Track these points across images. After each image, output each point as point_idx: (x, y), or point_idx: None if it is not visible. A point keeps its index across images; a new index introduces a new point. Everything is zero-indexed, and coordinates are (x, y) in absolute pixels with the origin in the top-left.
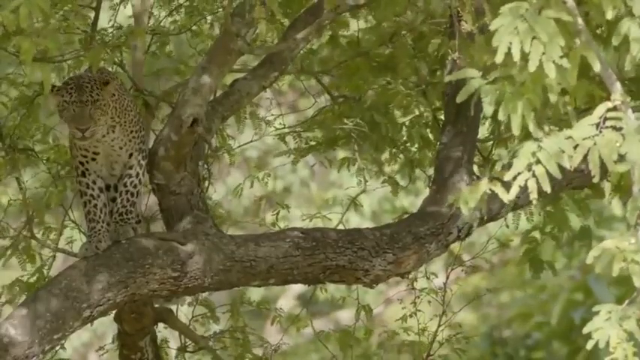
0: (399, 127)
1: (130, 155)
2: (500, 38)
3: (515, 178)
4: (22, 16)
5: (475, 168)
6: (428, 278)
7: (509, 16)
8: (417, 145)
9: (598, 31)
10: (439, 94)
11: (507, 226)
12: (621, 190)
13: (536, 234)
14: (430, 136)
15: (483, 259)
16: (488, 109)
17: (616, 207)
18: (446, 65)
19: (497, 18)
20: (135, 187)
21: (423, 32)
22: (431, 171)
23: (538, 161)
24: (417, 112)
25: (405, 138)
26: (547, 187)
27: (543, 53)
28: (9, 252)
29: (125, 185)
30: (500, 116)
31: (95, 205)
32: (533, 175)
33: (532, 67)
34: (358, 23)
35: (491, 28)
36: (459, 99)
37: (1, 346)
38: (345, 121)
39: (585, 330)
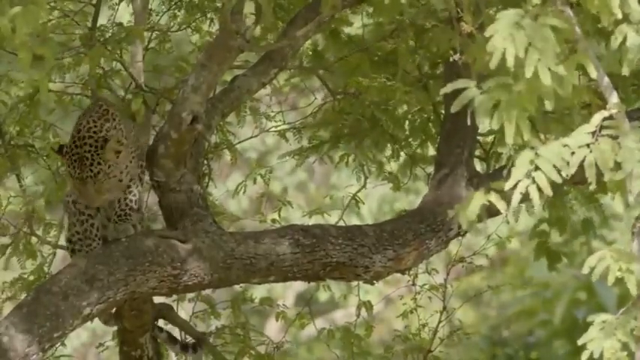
0: (400, 122)
1: (131, 179)
2: (495, 44)
3: (515, 186)
4: (19, 28)
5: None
6: (429, 274)
7: (505, 22)
8: (418, 141)
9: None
10: (440, 88)
11: (508, 222)
12: (622, 189)
13: (544, 226)
14: (432, 130)
15: (484, 255)
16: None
17: (617, 205)
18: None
19: (493, 24)
20: (134, 195)
21: (424, 26)
22: (431, 169)
23: (537, 168)
24: (417, 107)
25: (407, 133)
26: (549, 192)
27: (539, 59)
28: (9, 250)
29: (125, 195)
30: (494, 125)
31: (92, 225)
32: (534, 182)
33: (528, 73)
34: (362, 19)
35: (487, 34)
36: (454, 109)
37: (1, 344)
38: (345, 117)
39: (581, 341)
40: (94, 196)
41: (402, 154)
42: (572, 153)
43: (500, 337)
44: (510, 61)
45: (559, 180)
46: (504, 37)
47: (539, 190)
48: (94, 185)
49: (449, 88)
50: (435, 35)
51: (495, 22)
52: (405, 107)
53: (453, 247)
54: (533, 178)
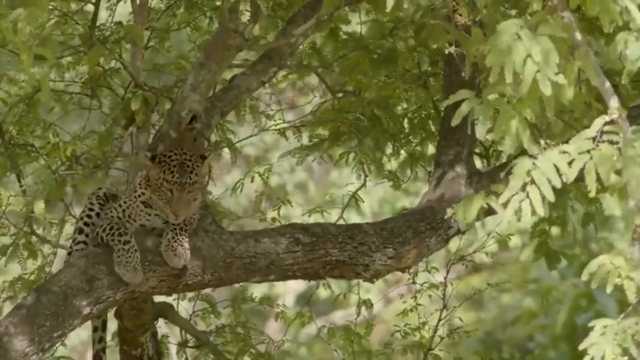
0: (400, 120)
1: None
2: (494, 59)
3: (510, 199)
4: (21, 30)
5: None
6: (429, 272)
7: (504, 34)
8: (418, 138)
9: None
10: (440, 86)
11: (509, 222)
12: (622, 195)
13: (544, 225)
14: (432, 128)
15: (485, 253)
16: (482, 128)
17: (615, 208)
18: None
19: (493, 36)
20: None
21: (423, 24)
22: (431, 167)
23: (532, 181)
24: (417, 105)
25: (407, 131)
26: (540, 211)
27: (538, 71)
28: (10, 249)
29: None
30: (495, 136)
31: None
32: (527, 196)
33: (524, 87)
34: (360, 17)
35: (486, 46)
36: (454, 122)
37: (1, 344)
38: (345, 116)
39: (582, 346)
40: (183, 207)
41: (402, 152)
42: (572, 161)
43: (499, 339)
44: (509, 78)
45: (552, 198)
46: (502, 50)
47: (532, 206)
48: (187, 194)
49: (450, 100)
50: (434, 31)
51: (494, 34)
52: (404, 105)
53: (454, 245)
54: (527, 194)
